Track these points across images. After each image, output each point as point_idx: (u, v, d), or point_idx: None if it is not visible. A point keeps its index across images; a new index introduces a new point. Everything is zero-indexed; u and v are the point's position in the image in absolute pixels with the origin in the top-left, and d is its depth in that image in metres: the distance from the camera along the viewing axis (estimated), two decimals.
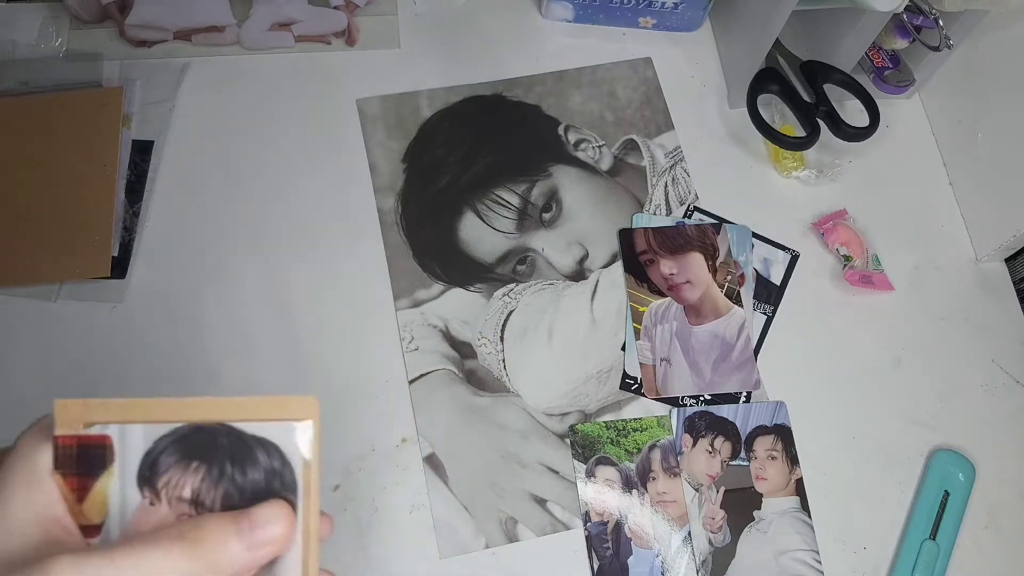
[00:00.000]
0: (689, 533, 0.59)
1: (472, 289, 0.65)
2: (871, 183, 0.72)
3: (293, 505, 0.31)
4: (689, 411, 0.62)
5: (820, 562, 0.59)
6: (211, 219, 0.65)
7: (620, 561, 0.58)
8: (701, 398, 0.63)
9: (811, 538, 0.59)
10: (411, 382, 0.61)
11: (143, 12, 0.70)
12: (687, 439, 0.61)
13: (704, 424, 0.62)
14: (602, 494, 0.59)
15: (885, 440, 0.63)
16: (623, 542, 0.58)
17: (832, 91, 0.68)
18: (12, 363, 0.60)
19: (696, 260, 0.66)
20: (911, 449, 0.63)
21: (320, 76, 0.71)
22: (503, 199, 0.67)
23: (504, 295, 0.64)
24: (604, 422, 0.61)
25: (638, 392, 0.62)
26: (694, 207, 0.69)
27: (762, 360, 0.64)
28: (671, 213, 0.69)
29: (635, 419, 0.61)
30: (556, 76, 0.73)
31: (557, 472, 0.60)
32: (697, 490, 0.60)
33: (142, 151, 0.66)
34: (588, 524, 0.58)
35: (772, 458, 0.61)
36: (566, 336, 0.64)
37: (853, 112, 0.70)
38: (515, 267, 0.66)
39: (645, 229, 0.67)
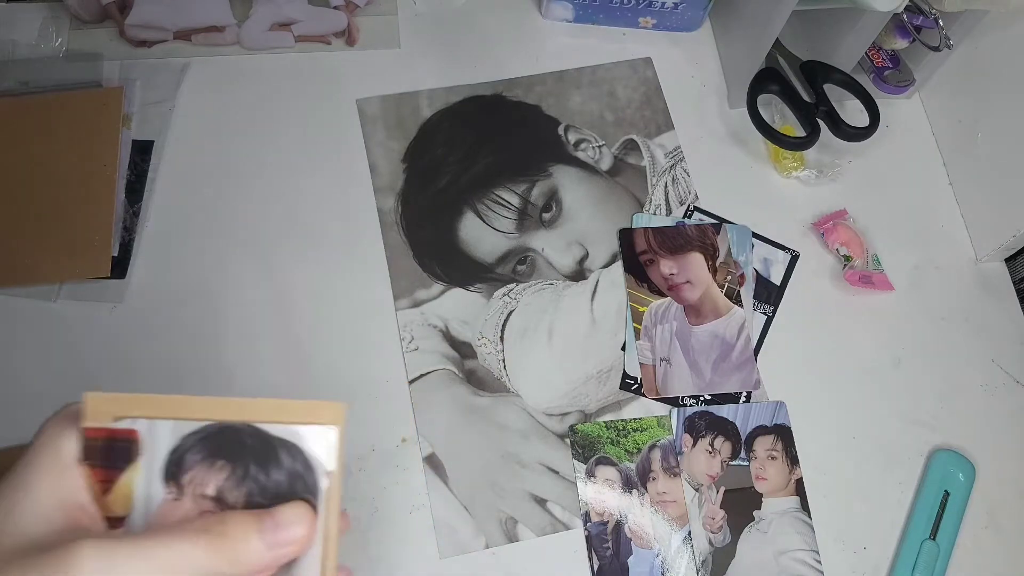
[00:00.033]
0: (689, 533, 0.59)
1: (472, 289, 0.65)
2: (871, 183, 0.72)
3: (314, 507, 0.31)
4: (689, 411, 0.62)
5: (820, 562, 0.59)
6: (211, 219, 0.65)
7: (620, 561, 0.58)
8: (701, 398, 0.63)
9: (811, 538, 0.59)
10: (411, 382, 0.61)
11: (143, 12, 0.70)
12: (687, 439, 0.61)
13: (704, 424, 0.62)
14: (602, 494, 0.59)
15: (885, 440, 0.63)
16: (623, 542, 0.58)
17: (832, 91, 0.68)
18: (12, 363, 0.60)
19: (696, 260, 0.66)
20: (911, 449, 0.63)
21: (320, 76, 0.71)
22: (503, 199, 0.67)
23: (504, 295, 0.64)
24: (604, 422, 0.61)
25: (638, 392, 0.62)
26: (694, 207, 0.69)
27: (762, 360, 0.64)
28: (671, 213, 0.69)
29: (635, 419, 0.61)
30: (556, 76, 0.73)
31: (557, 472, 0.60)
32: (697, 490, 0.60)
33: (142, 151, 0.66)
34: (588, 524, 0.58)
35: (772, 458, 0.61)
36: (566, 336, 0.64)
37: (853, 112, 0.70)
38: (515, 267, 0.66)
39: (645, 229, 0.67)
